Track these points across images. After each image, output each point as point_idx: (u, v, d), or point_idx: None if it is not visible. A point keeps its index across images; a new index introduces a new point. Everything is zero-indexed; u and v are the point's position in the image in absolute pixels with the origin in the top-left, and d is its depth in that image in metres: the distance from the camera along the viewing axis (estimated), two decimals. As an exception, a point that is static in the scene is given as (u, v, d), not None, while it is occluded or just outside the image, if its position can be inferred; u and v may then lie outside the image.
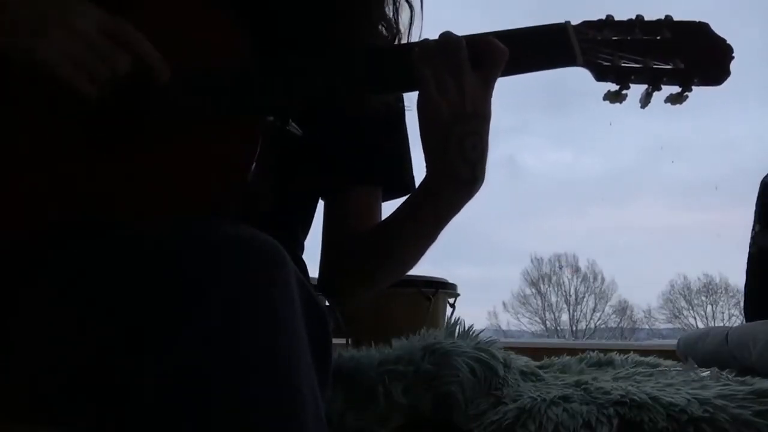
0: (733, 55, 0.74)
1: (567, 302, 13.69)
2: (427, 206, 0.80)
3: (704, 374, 1.19)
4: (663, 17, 0.75)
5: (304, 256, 0.95)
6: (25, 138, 0.74)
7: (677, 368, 1.31)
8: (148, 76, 0.70)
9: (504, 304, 13.68)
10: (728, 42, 0.74)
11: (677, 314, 12.97)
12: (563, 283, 13.79)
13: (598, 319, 13.44)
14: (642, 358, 1.39)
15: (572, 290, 13.68)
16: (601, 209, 19.13)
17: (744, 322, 2.14)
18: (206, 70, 0.73)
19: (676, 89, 0.74)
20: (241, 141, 0.71)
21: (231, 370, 0.54)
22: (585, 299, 13.63)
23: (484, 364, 1.07)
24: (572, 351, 1.52)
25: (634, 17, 0.75)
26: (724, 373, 1.20)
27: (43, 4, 0.68)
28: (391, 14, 0.92)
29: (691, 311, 12.90)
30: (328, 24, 0.88)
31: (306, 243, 0.98)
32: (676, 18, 0.75)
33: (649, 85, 0.74)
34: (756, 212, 2.11)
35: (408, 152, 0.98)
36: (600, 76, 0.74)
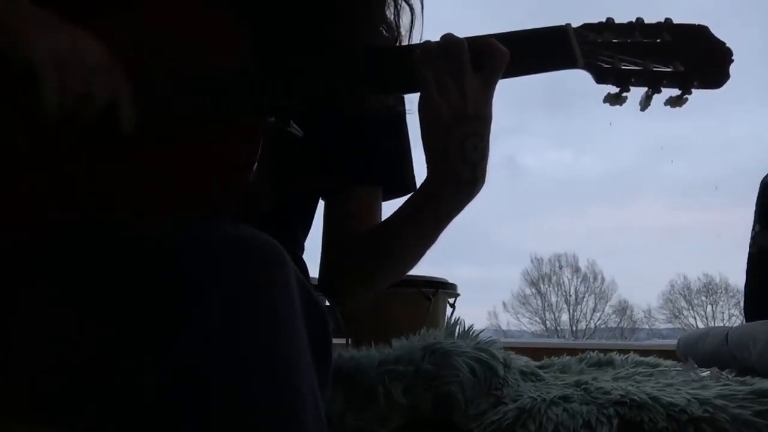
0: (733, 58, 0.74)
1: (567, 302, 13.70)
2: (427, 207, 0.80)
3: (704, 374, 1.19)
4: (663, 20, 0.75)
5: (304, 256, 0.95)
6: (25, 138, 0.74)
7: (677, 368, 1.32)
8: (114, 119, 0.69)
9: (504, 304, 13.69)
10: (728, 45, 0.75)
11: (677, 314, 12.99)
12: (563, 283, 13.81)
13: (598, 319, 13.46)
14: (642, 358, 1.39)
15: (572, 290, 13.70)
16: (601, 209, 19.15)
17: (744, 322, 2.14)
18: (206, 70, 0.73)
19: (675, 92, 0.74)
20: (241, 141, 0.71)
21: (231, 370, 0.54)
22: (585, 299, 13.65)
23: (484, 364, 1.07)
24: (572, 351, 1.52)
25: (634, 20, 0.75)
26: (724, 373, 1.20)
27: (52, 17, 0.68)
28: (392, 17, 0.92)
29: (691, 311, 12.91)
30: (328, 24, 0.88)
31: (306, 243, 0.98)
32: (676, 21, 0.75)
33: (648, 88, 0.74)
34: (756, 212, 2.11)
35: (408, 152, 0.98)
36: (600, 78, 0.74)
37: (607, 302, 13.50)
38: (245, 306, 0.56)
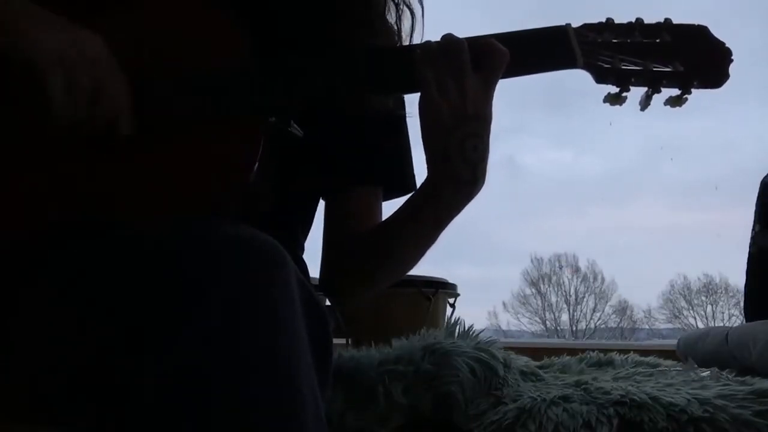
0: (732, 58, 0.74)
1: (567, 302, 13.70)
2: (427, 207, 0.80)
3: (704, 374, 1.19)
4: (663, 20, 0.75)
5: (304, 256, 0.95)
6: (25, 138, 0.74)
7: (677, 368, 1.32)
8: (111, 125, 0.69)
9: (504, 304, 13.69)
10: (727, 45, 0.75)
11: (677, 314, 12.99)
12: (563, 283, 13.80)
13: (598, 319, 13.45)
14: (642, 358, 1.39)
15: (572, 290, 13.70)
16: (601, 209, 19.14)
17: (744, 322, 2.14)
18: (207, 70, 0.73)
19: (675, 92, 0.75)
20: (242, 141, 0.71)
21: (231, 370, 0.54)
22: (585, 299, 13.65)
23: (484, 364, 1.07)
24: (572, 351, 1.52)
25: (634, 20, 0.75)
26: (724, 373, 1.20)
27: (58, 19, 0.68)
28: (393, 20, 0.92)
29: (691, 311, 12.91)
30: (328, 24, 0.88)
31: (306, 243, 0.98)
32: (675, 21, 0.76)
33: (648, 88, 0.74)
34: (756, 212, 2.11)
35: (409, 152, 0.98)
36: (600, 78, 0.74)
37: (607, 302, 13.51)
38: (245, 306, 0.56)
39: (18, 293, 0.63)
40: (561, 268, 13.87)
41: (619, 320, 13.35)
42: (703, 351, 1.91)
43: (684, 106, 0.75)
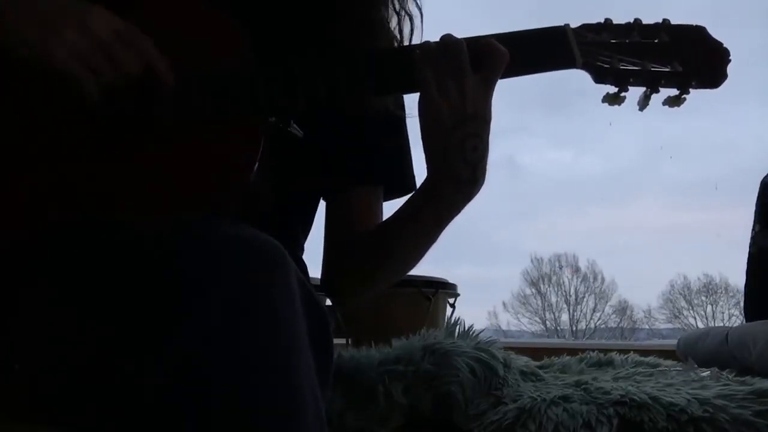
0: (730, 58, 0.75)
1: (567, 302, 13.70)
2: (427, 207, 0.80)
3: (704, 374, 1.20)
4: (661, 21, 0.75)
5: (304, 256, 0.95)
6: (26, 138, 0.74)
7: (677, 368, 1.32)
8: (152, 83, 0.70)
9: (504, 304, 13.69)
10: (725, 46, 0.75)
11: (677, 314, 12.98)
12: (563, 283, 13.80)
13: (598, 319, 13.45)
14: (642, 358, 1.39)
15: (572, 290, 13.70)
16: (601, 209, 19.14)
17: (744, 322, 2.14)
18: (207, 71, 0.73)
19: (673, 92, 0.75)
20: (242, 141, 0.71)
21: (231, 370, 0.54)
22: (585, 299, 13.64)
23: (484, 364, 1.07)
24: (572, 351, 1.52)
25: (632, 20, 0.75)
26: (724, 373, 1.21)
27: (55, 3, 0.68)
28: (394, 25, 0.92)
29: (691, 311, 12.91)
30: (328, 24, 0.88)
31: (306, 243, 0.98)
32: (674, 22, 0.76)
33: (647, 88, 0.75)
34: (756, 212, 2.11)
35: (409, 152, 0.98)
36: (599, 78, 0.75)
37: (607, 302, 13.51)
38: (245, 306, 0.56)
39: (18, 293, 0.63)
40: (561, 268, 13.88)
41: (619, 320, 13.36)
42: (703, 351, 1.91)
43: (682, 106, 0.75)
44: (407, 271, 0.90)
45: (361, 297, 0.96)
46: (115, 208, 0.70)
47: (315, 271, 0.94)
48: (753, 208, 2.12)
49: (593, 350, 1.46)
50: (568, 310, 13.65)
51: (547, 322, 13.70)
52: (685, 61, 0.74)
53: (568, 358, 1.40)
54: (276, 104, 0.73)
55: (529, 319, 13.72)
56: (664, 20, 0.76)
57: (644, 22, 0.76)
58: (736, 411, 0.95)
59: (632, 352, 1.49)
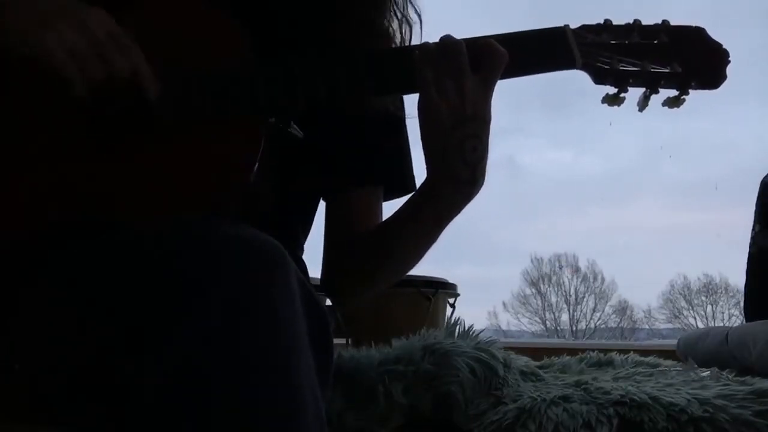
0: (730, 59, 0.75)
1: (567, 302, 13.69)
2: (427, 207, 0.80)
3: (704, 374, 1.20)
4: (660, 22, 0.76)
5: (304, 256, 0.95)
6: (26, 138, 0.74)
7: (677, 368, 1.32)
8: (137, 90, 0.70)
9: (504, 304, 13.67)
10: (725, 47, 0.75)
11: (677, 314, 12.97)
12: (563, 283, 13.79)
13: (598, 319, 13.44)
14: (642, 358, 1.39)
15: (572, 290, 13.68)
16: (601, 209, 19.12)
17: (744, 322, 2.14)
18: (207, 71, 0.73)
19: (673, 92, 0.75)
20: (242, 142, 0.71)
21: (231, 370, 0.54)
22: (585, 299, 13.63)
23: (484, 364, 1.07)
24: (572, 351, 1.52)
25: (632, 21, 0.76)
26: (724, 373, 1.21)
27: (55, 4, 0.68)
28: (396, 26, 0.92)
29: (691, 311, 12.90)
30: (328, 24, 0.88)
31: (306, 243, 0.98)
32: (673, 22, 0.76)
33: (646, 89, 0.75)
34: (756, 212, 2.11)
35: (408, 152, 0.98)
36: (598, 79, 0.75)
37: (607, 302, 13.50)
38: (245, 306, 0.56)
39: (18, 293, 0.63)
40: (561, 268, 13.87)
41: (619, 320, 13.35)
42: (703, 351, 1.91)
43: (682, 106, 0.75)
44: (407, 271, 0.90)
45: (361, 297, 0.96)
46: (115, 208, 0.70)
47: (315, 271, 0.94)
48: (753, 208, 2.12)
49: (593, 350, 1.46)
50: (568, 310, 13.65)
51: (547, 322, 13.70)
52: (685, 62, 0.74)
53: (568, 358, 1.40)
54: (276, 104, 0.73)
55: (529, 319, 13.72)
56: (664, 21, 0.76)
57: (644, 23, 0.76)
58: (736, 411, 0.95)
59: (632, 352, 1.49)
